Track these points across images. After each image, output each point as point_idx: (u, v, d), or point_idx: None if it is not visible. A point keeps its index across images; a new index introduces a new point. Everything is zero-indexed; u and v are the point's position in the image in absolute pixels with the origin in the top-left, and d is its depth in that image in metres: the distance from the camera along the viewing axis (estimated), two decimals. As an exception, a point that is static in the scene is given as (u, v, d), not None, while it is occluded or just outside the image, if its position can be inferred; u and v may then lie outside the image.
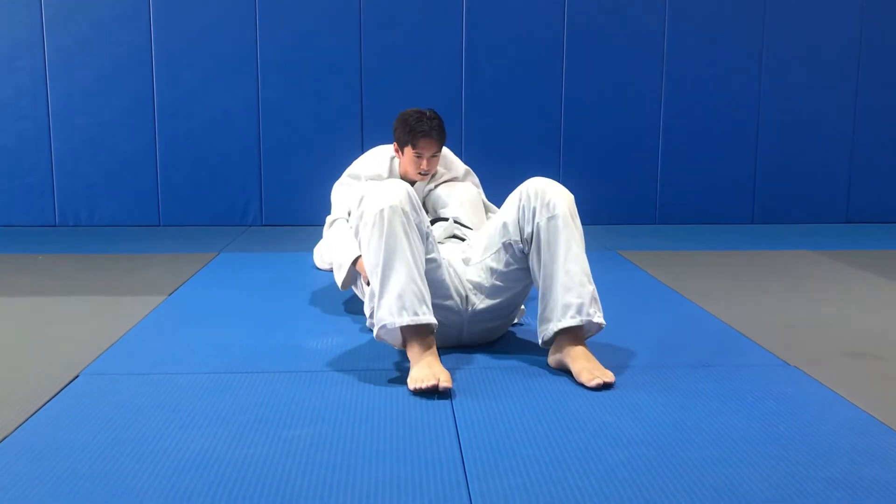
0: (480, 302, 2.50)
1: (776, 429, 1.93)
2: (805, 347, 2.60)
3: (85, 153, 5.17)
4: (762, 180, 5.47)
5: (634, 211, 5.43)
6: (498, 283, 2.49)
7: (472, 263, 2.55)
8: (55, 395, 2.12)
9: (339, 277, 2.75)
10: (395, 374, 2.32)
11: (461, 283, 2.51)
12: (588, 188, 5.37)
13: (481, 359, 2.45)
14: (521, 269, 2.47)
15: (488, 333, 2.59)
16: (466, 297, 2.50)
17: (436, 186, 3.16)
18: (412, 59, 5.18)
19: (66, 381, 2.22)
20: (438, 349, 2.54)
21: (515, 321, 2.79)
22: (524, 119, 5.20)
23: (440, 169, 3.16)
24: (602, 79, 5.29)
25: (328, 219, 3.04)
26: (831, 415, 2.02)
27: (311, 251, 3.69)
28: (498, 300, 2.50)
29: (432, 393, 2.12)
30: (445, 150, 3.15)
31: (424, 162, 2.99)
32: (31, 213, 5.21)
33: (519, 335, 2.71)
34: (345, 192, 3.06)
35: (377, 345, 2.57)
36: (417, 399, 2.11)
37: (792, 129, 5.43)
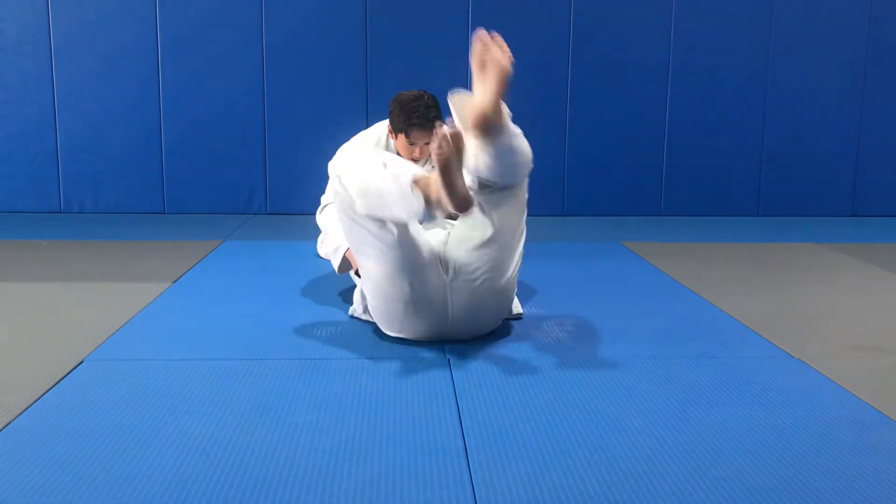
0: (461, 267, 2.37)
1: (779, 420, 1.92)
2: (809, 340, 2.59)
3: (90, 140, 5.16)
4: (768, 172, 5.45)
5: (639, 202, 5.41)
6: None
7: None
8: (60, 381, 2.13)
9: (335, 263, 2.83)
10: (399, 362, 2.32)
11: (439, 249, 2.41)
12: (593, 179, 5.36)
13: (484, 349, 2.45)
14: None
15: (476, 312, 2.45)
16: (446, 262, 2.39)
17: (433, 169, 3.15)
18: (417, 47, 5.17)
19: (71, 367, 2.23)
20: (425, 341, 2.49)
21: (512, 315, 2.75)
22: (529, 108, 5.17)
23: None
24: (608, 68, 5.26)
25: (323, 198, 3.05)
26: (834, 407, 2.02)
27: (315, 240, 3.70)
28: (480, 250, 2.38)
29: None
30: None
31: (417, 150, 2.97)
32: (36, 200, 5.21)
33: (519, 327, 2.71)
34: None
35: (381, 334, 2.57)
36: (420, 388, 2.11)
37: (798, 122, 5.40)
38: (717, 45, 5.29)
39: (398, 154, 3.12)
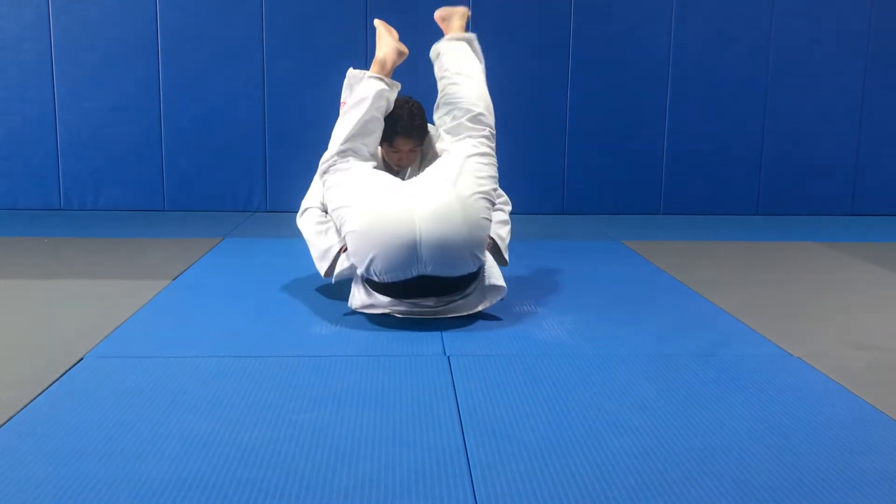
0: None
1: (777, 419, 1.93)
2: (807, 338, 2.60)
3: (90, 137, 5.17)
4: (768, 171, 5.46)
5: (639, 201, 5.41)
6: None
7: None
8: (60, 378, 2.13)
9: (323, 267, 2.84)
10: (398, 360, 2.33)
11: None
12: (593, 177, 5.37)
13: (483, 346, 2.46)
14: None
15: (445, 235, 2.50)
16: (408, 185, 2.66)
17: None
18: (418, 46, 5.16)
19: (71, 364, 2.23)
20: (402, 283, 2.58)
21: (495, 292, 2.73)
22: (529, 107, 5.18)
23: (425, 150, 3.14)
24: (608, 67, 5.26)
25: (303, 203, 3.04)
26: (833, 405, 2.03)
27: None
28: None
29: None
30: (430, 129, 3.12)
31: (403, 156, 2.98)
32: (36, 197, 5.22)
33: (516, 324, 2.71)
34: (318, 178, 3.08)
35: (381, 331, 2.57)
36: (420, 385, 2.12)
37: (798, 121, 5.41)
38: (718, 44, 5.30)
39: (384, 158, 3.08)
